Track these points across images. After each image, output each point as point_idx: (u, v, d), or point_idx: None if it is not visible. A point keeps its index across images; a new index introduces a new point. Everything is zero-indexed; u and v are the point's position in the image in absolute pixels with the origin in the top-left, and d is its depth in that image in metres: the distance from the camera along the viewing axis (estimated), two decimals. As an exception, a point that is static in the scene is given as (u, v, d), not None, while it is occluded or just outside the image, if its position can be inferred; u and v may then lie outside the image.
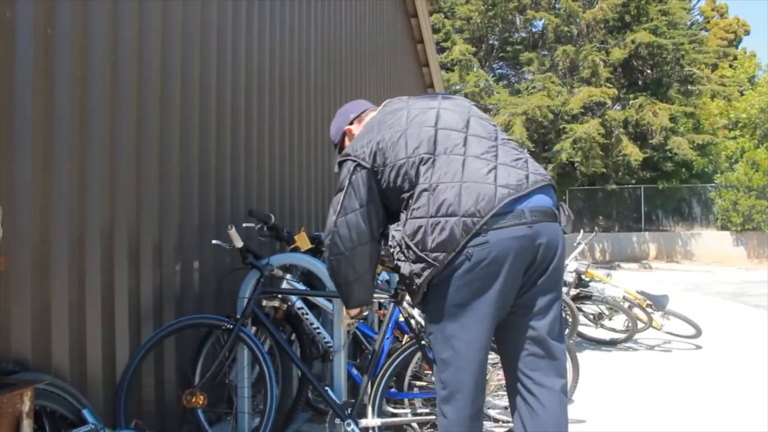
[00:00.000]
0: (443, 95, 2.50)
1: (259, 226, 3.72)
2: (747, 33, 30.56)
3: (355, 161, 2.34)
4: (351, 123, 2.70)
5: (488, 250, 2.09)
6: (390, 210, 2.36)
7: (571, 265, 6.20)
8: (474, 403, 2.21)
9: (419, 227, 2.16)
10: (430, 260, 2.14)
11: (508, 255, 2.10)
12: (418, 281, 2.20)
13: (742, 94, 26.17)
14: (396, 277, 3.21)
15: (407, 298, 3.11)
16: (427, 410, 3.08)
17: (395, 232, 2.29)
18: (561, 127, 21.62)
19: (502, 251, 2.10)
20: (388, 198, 2.33)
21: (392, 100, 2.55)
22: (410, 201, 2.23)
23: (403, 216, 2.27)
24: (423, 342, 2.91)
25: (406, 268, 2.23)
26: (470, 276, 2.11)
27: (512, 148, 2.30)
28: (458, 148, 2.24)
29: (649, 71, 23.41)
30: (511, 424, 3.20)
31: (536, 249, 2.15)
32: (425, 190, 2.19)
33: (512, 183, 2.16)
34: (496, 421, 3.29)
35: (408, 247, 2.21)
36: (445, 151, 2.23)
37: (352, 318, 2.93)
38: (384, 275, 4.45)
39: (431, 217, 2.15)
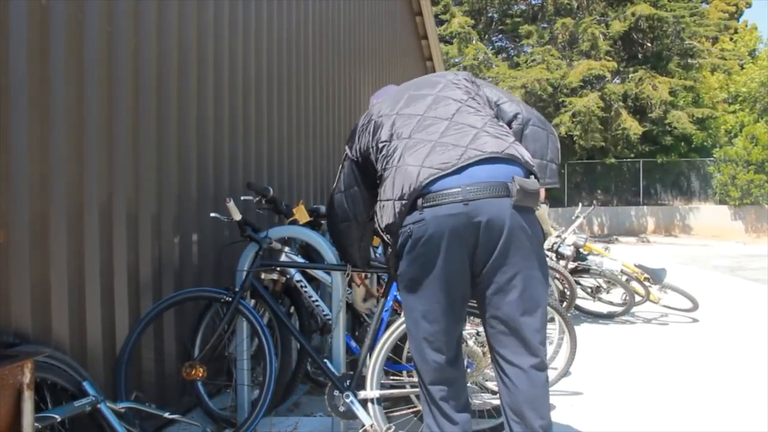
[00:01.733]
0: (431, 75, 2.55)
1: (257, 199, 3.72)
2: (748, 6, 30.25)
3: (346, 152, 2.59)
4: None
5: (425, 227, 2.13)
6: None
7: (570, 238, 6.21)
8: (442, 372, 2.28)
9: (376, 210, 2.36)
10: (386, 239, 2.31)
11: (444, 232, 2.11)
12: (386, 255, 2.39)
13: (742, 68, 26.02)
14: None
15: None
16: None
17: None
18: (560, 100, 21.54)
19: (437, 228, 2.12)
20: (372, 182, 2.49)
21: (389, 88, 2.74)
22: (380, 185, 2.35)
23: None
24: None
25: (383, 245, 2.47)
26: (414, 252, 2.17)
27: (465, 124, 2.25)
28: (406, 131, 2.29)
29: (649, 44, 23.26)
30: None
31: (476, 226, 2.11)
32: (380, 175, 2.35)
33: (437, 162, 2.16)
34: (494, 393, 3.31)
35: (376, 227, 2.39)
36: (396, 137, 2.31)
37: (358, 285, 3.08)
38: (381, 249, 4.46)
39: (379, 200, 2.31)
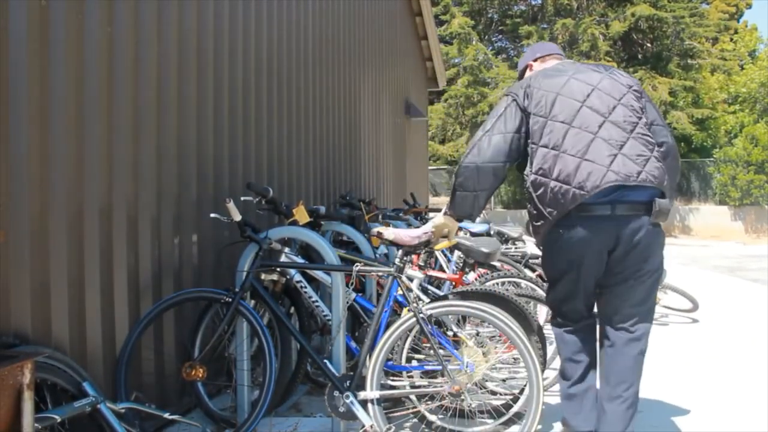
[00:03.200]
0: (610, 72, 2.78)
1: (257, 199, 3.71)
2: (749, 6, 30.24)
3: (513, 97, 2.74)
4: (535, 60, 3.05)
5: (573, 232, 2.55)
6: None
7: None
8: (578, 330, 2.83)
9: (541, 184, 2.61)
10: (545, 213, 2.61)
11: (591, 238, 2.54)
12: (536, 223, 2.71)
13: (742, 68, 26.00)
14: (394, 251, 3.21)
15: (406, 271, 3.13)
16: (425, 383, 3.10)
17: (525, 175, 2.71)
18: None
19: (586, 235, 2.54)
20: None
21: (566, 61, 2.97)
22: (536, 154, 2.64)
23: (528, 165, 2.68)
24: (421, 315, 2.92)
25: (531, 207, 2.73)
26: (565, 249, 2.61)
27: (642, 144, 2.58)
28: (592, 127, 2.58)
29: (648, 45, 23.24)
30: (507, 397, 3.25)
31: (617, 237, 2.53)
32: (553, 150, 2.58)
33: (623, 172, 2.49)
34: (494, 393, 3.31)
35: (531, 195, 2.68)
36: (580, 126, 2.58)
37: (441, 222, 2.96)
38: (382, 248, 4.46)
39: (552, 179, 2.56)
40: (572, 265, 2.65)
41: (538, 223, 2.69)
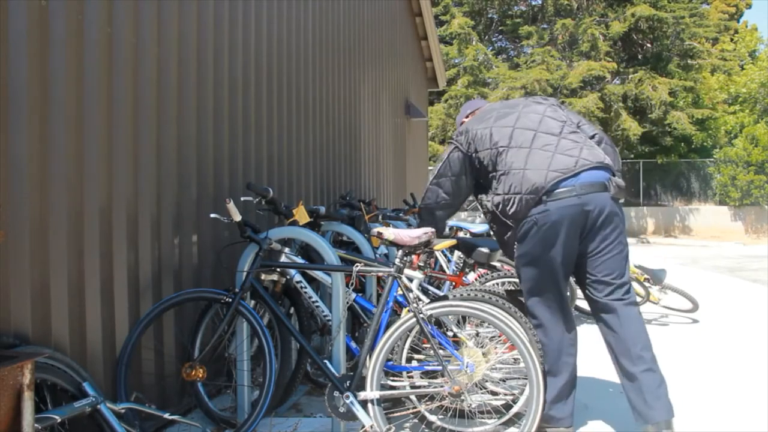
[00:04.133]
0: (526, 103, 3.30)
1: (257, 199, 3.72)
2: (748, 6, 30.22)
3: (454, 145, 3.30)
4: (467, 116, 3.56)
5: (548, 216, 2.94)
6: (481, 184, 3.32)
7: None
8: (560, 311, 3.11)
9: (499, 201, 3.09)
10: (509, 223, 3.10)
11: (564, 219, 2.94)
12: (504, 237, 3.19)
13: (742, 69, 26.01)
14: (394, 251, 3.22)
15: (406, 271, 3.13)
16: (425, 383, 3.10)
17: (486, 202, 3.23)
18: (560, 101, 21.50)
19: (559, 217, 2.94)
20: (480, 174, 3.26)
21: (491, 104, 3.47)
22: (494, 180, 3.13)
23: (491, 190, 3.18)
24: (421, 315, 2.92)
25: (494, 228, 3.24)
26: (539, 234, 2.97)
27: (571, 140, 3.07)
28: (526, 142, 3.07)
29: (648, 45, 23.23)
30: (508, 397, 3.25)
31: (586, 213, 2.95)
32: (503, 174, 3.07)
33: (560, 167, 2.96)
34: (494, 393, 3.31)
35: (494, 213, 3.14)
36: (517, 145, 3.07)
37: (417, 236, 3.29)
38: (382, 248, 4.46)
39: (505, 194, 3.05)
40: (549, 247, 3.00)
41: (507, 235, 3.17)
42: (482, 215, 3.41)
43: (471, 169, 3.27)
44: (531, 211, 2.96)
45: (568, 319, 3.16)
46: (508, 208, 3.04)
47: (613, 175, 3.07)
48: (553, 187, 2.93)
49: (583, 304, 6.59)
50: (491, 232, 3.37)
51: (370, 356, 2.97)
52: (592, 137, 3.22)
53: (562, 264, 3.01)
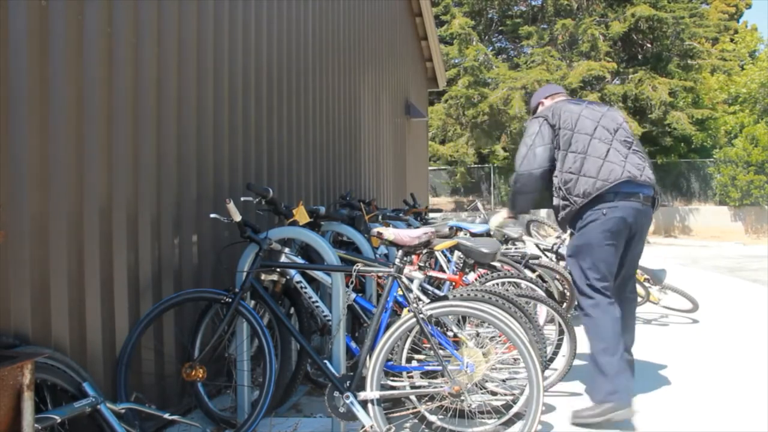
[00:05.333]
0: (605, 111, 3.76)
1: (257, 199, 3.72)
2: (748, 6, 30.20)
3: (544, 119, 3.71)
4: (546, 98, 4.01)
5: (616, 211, 3.48)
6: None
7: (570, 239, 6.19)
8: (610, 292, 3.54)
9: (570, 179, 3.57)
10: (570, 201, 3.58)
11: (626, 218, 3.50)
12: (562, 213, 3.68)
13: (742, 69, 25.99)
14: (394, 251, 3.22)
15: (406, 271, 3.13)
16: (425, 383, 3.10)
17: (554, 178, 3.68)
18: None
19: (623, 215, 3.49)
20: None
21: (572, 100, 3.91)
22: (566, 158, 3.60)
23: (558, 169, 3.64)
24: (421, 315, 2.92)
25: (555, 202, 3.72)
26: (606, 225, 3.49)
27: (639, 157, 3.62)
28: (607, 140, 3.60)
29: (648, 45, 23.21)
30: (507, 397, 3.25)
31: (640, 219, 3.56)
32: (581, 155, 3.57)
33: (634, 172, 3.51)
34: (494, 393, 3.31)
35: (560, 188, 3.63)
36: (598, 139, 3.59)
37: (504, 218, 4.18)
38: (382, 248, 4.45)
39: (580, 175, 3.54)
40: (612, 236, 3.51)
41: (565, 211, 3.64)
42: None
43: (554, 140, 3.67)
44: (599, 205, 3.48)
45: (618, 301, 3.61)
46: (575, 186, 3.54)
47: (656, 193, 3.67)
48: (623, 186, 3.47)
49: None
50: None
51: (370, 356, 2.97)
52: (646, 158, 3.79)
53: (617, 249, 3.55)
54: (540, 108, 3.97)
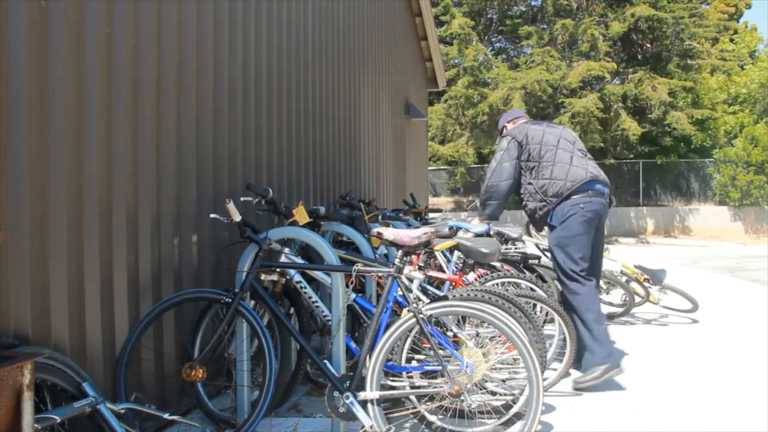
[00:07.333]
0: (561, 129, 4.53)
1: (257, 200, 3.72)
2: (748, 6, 30.20)
3: (512, 137, 4.43)
4: (509, 121, 4.77)
5: (592, 205, 4.20)
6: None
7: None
8: (587, 273, 4.22)
9: (544, 184, 4.28)
10: (546, 201, 4.28)
11: (598, 210, 4.24)
12: (540, 213, 4.34)
13: (742, 69, 25.99)
14: (394, 251, 3.22)
15: (405, 271, 3.13)
16: (425, 383, 3.10)
17: (527, 185, 4.38)
18: (559, 101, 21.47)
19: (596, 208, 4.23)
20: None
21: (533, 121, 4.71)
22: (537, 169, 4.32)
23: (529, 177, 4.36)
24: (421, 315, 2.92)
25: (532, 205, 4.38)
26: (585, 216, 4.18)
27: (593, 165, 4.36)
28: (569, 149, 4.35)
29: (648, 45, 23.20)
30: (507, 397, 3.25)
31: (604, 212, 4.32)
32: (550, 163, 4.28)
33: (595, 173, 4.30)
34: (493, 393, 3.31)
35: (536, 192, 4.32)
36: (563, 149, 4.33)
37: (480, 222, 4.60)
38: (382, 248, 4.45)
39: (552, 179, 4.25)
40: (588, 226, 4.21)
41: (543, 211, 4.30)
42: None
43: (520, 156, 4.39)
44: (576, 200, 4.17)
45: (594, 277, 4.35)
46: (550, 189, 4.24)
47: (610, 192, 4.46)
48: (588, 185, 4.21)
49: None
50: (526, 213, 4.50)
51: (369, 356, 2.97)
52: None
53: (590, 240, 4.23)
54: (505, 130, 4.73)
